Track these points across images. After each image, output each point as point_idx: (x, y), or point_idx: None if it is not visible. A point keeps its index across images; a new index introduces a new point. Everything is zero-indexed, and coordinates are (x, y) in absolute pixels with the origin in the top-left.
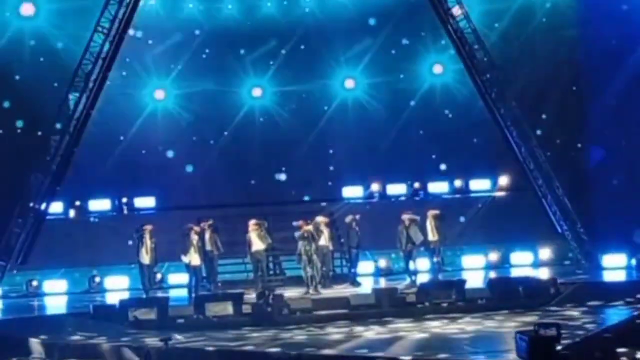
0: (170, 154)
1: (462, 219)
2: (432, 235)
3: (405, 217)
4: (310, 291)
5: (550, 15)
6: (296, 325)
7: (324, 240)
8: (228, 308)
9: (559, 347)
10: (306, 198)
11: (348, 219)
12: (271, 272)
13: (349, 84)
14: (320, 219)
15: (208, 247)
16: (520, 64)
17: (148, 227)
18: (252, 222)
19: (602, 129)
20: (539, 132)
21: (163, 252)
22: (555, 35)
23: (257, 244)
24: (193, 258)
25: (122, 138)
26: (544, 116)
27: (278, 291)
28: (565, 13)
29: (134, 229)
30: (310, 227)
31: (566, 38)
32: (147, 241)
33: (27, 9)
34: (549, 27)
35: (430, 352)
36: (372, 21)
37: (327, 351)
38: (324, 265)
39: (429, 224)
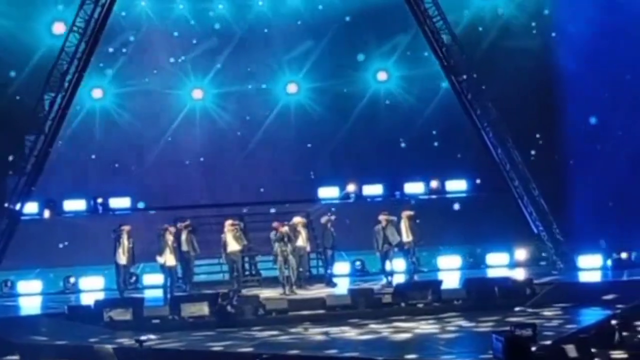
0: (145, 154)
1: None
2: (406, 236)
3: (382, 217)
4: (286, 292)
5: (524, 18)
6: (271, 325)
7: (301, 241)
8: (204, 309)
9: (534, 348)
10: (282, 199)
11: (323, 219)
12: (247, 273)
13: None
14: (297, 220)
15: (184, 247)
16: (496, 66)
17: (126, 228)
18: (227, 223)
19: (577, 130)
20: (515, 133)
21: (138, 253)
22: (530, 37)
23: (233, 245)
24: (168, 259)
25: (97, 138)
26: (520, 117)
27: (254, 291)
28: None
29: (112, 229)
30: (286, 228)
31: (541, 40)
32: (125, 242)
33: None
34: (523, 29)
35: (406, 353)
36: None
37: (300, 352)
38: (301, 266)
39: (403, 225)
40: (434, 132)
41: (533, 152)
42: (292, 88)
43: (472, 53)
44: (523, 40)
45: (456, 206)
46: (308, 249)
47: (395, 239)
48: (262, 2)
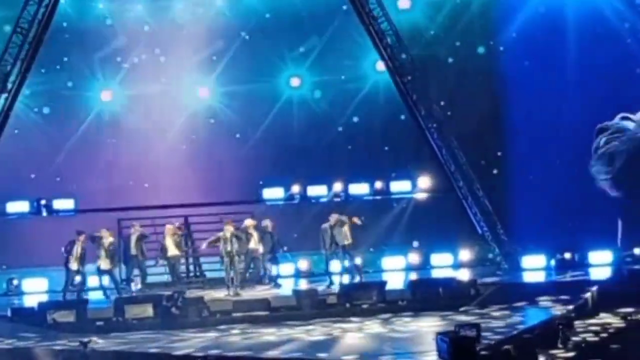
0: (90, 155)
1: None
2: (348, 239)
3: (334, 216)
4: (231, 293)
5: (471, 20)
6: (215, 327)
7: (253, 243)
8: (148, 310)
9: (479, 348)
10: (228, 199)
11: (264, 222)
12: (191, 274)
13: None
14: (248, 222)
15: (133, 251)
16: (441, 68)
17: (82, 237)
18: (168, 227)
19: (521, 131)
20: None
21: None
22: (475, 39)
23: (172, 250)
24: (103, 262)
25: (41, 139)
26: (466, 118)
27: (199, 293)
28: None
29: (69, 240)
30: (231, 228)
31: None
32: (78, 248)
33: None
34: (469, 30)
35: (351, 354)
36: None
37: (244, 353)
38: (255, 268)
39: (346, 227)
40: (379, 133)
41: (476, 153)
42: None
43: (417, 53)
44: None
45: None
46: (261, 250)
47: (341, 240)
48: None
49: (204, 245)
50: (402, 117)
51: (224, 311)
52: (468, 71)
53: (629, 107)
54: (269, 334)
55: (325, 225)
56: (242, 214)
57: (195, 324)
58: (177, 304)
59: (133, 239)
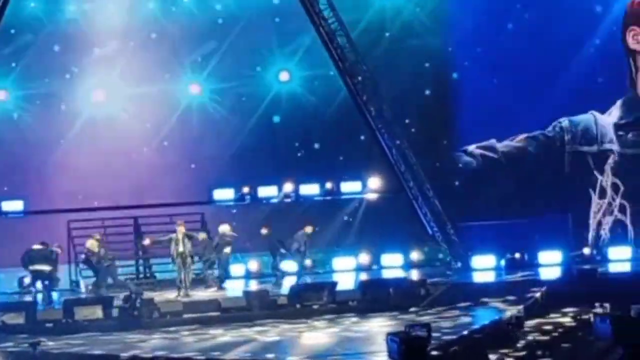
0: (39, 156)
1: None
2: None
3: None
4: (181, 294)
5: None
6: (165, 328)
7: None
8: (97, 312)
9: (429, 348)
10: (178, 200)
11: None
12: (141, 276)
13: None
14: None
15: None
16: (389, 68)
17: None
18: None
19: (470, 131)
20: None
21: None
22: (431, 37)
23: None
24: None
25: None
26: (409, 120)
27: (149, 294)
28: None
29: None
30: (183, 229)
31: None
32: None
33: None
34: (412, 32)
35: (300, 354)
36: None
37: (193, 354)
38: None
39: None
40: (330, 134)
41: (426, 154)
42: (194, 89)
43: (370, 53)
44: (423, 40)
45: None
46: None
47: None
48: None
49: (147, 242)
50: (353, 118)
51: (174, 312)
52: (419, 72)
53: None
54: (216, 335)
55: (302, 233)
56: (193, 214)
57: (147, 325)
58: (135, 304)
59: (90, 241)
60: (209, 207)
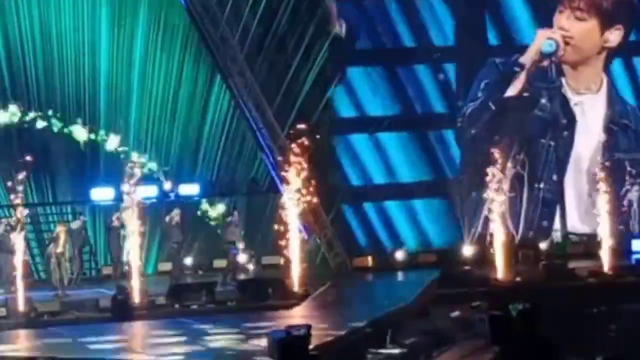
0: None
1: None
2: None
3: None
4: (60, 293)
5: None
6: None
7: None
8: None
9: (309, 347)
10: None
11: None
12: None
13: None
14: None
15: None
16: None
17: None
18: None
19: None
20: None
21: None
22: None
23: None
24: None
25: None
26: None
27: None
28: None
29: None
30: (64, 229)
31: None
32: None
33: None
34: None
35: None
36: None
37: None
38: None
39: None
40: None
41: None
42: None
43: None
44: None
45: None
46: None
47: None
48: None
49: None
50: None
51: (52, 312)
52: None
53: None
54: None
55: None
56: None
57: (21, 325)
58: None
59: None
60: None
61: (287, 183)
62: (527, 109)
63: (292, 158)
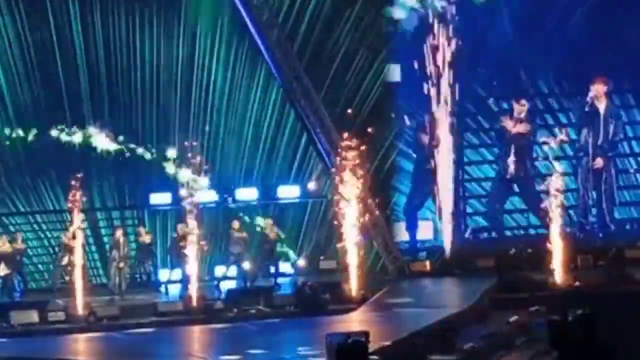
0: None
1: None
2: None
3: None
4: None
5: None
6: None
7: None
8: (33, 316)
9: (369, 352)
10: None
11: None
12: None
13: None
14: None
15: None
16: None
17: None
18: None
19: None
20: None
21: None
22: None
23: None
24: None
25: None
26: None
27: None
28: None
29: None
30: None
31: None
32: None
33: None
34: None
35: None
36: None
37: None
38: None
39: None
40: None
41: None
42: None
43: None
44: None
45: None
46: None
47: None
48: None
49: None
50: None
51: (110, 316)
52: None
53: None
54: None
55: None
56: None
57: (83, 330)
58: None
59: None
60: None
61: (344, 186)
62: None
63: (349, 162)
